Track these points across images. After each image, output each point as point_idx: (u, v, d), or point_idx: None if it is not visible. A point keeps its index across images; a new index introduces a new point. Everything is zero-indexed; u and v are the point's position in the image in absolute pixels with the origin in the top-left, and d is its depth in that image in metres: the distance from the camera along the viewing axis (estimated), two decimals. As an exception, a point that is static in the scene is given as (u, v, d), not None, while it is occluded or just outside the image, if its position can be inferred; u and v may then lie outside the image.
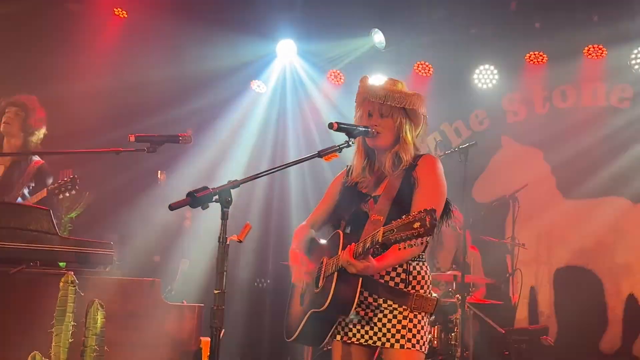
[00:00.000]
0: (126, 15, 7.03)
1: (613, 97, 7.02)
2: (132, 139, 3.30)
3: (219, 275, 2.50)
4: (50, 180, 4.90)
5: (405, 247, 2.53)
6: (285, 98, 7.96)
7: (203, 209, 2.55)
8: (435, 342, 5.67)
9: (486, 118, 7.62)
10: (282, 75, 7.90)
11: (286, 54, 7.64)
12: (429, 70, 7.60)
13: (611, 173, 6.76)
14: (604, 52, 6.85)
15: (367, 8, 7.07)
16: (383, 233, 2.55)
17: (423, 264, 3.03)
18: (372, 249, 2.69)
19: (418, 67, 7.58)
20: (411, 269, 2.97)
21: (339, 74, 7.90)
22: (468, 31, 7.17)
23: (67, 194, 4.70)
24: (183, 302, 3.98)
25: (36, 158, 5.04)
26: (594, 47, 6.85)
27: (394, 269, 2.95)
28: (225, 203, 2.55)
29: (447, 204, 3.04)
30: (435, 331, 5.68)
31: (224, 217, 2.55)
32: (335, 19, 7.17)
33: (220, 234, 2.52)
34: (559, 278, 7.08)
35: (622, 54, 6.79)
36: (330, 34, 7.28)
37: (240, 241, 2.63)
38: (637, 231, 6.74)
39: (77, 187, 4.76)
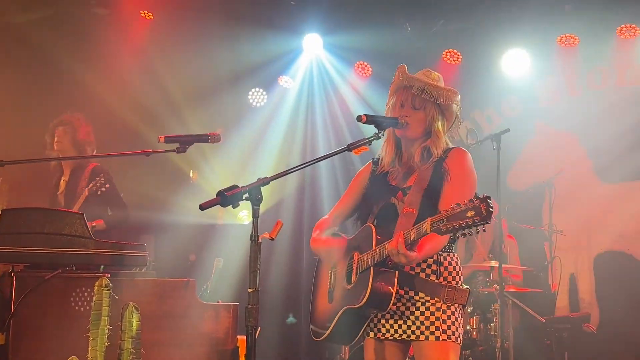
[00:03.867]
0: (152, 17, 7.06)
1: (648, 77, 6.85)
2: (162, 140, 3.31)
3: (252, 273, 2.49)
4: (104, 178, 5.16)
5: (459, 237, 2.53)
6: (313, 92, 7.94)
7: (234, 207, 2.54)
8: (475, 333, 5.61)
9: (518, 104, 7.49)
10: (309, 69, 7.88)
11: (312, 48, 7.62)
12: (457, 58, 7.50)
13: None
14: (638, 31, 6.68)
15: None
16: (431, 223, 2.53)
17: (453, 255, 3.00)
18: (418, 240, 2.66)
19: (446, 55, 7.49)
20: (442, 259, 2.94)
21: (366, 66, 7.84)
22: (497, 16, 7.04)
23: (104, 189, 5.05)
24: (218, 302, 3.98)
25: (92, 161, 5.36)
26: (627, 27, 6.70)
27: (425, 261, 2.92)
28: (256, 201, 2.53)
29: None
30: (474, 322, 5.62)
31: (255, 214, 2.53)
32: (360, 10, 7.11)
33: (252, 232, 2.50)
34: (599, 264, 6.94)
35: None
36: (356, 26, 7.23)
37: (272, 239, 2.61)
38: (678, 213, 6.57)
39: (112, 181, 5.15)
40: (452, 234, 2.50)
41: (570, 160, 7.00)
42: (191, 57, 7.09)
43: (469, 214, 2.41)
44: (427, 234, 2.56)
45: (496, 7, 6.95)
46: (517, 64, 7.27)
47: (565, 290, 6.99)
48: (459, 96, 3.05)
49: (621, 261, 6.83)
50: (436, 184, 2.91)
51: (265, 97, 7.88)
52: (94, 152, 5.37)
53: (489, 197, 2.41)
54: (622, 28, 6.72)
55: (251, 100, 7.89)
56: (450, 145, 3.04)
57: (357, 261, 2.92)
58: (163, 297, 3.65)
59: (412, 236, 2.63)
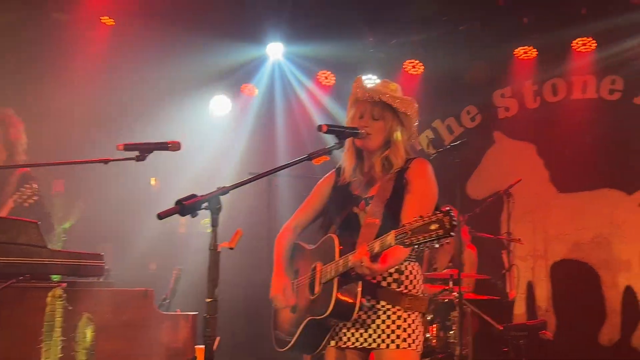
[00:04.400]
0: (113, 23, 6.99)
1: (603, 89, 7.02)
2: (121, 147, 3.26)
3: (210, 283, 2.47)
4: (35, 186, 4.78)
5: (423, 250, 2.51)
6: (274, 101, 7.93)
7: (192, 217, 2.52)
8: (434, 341, 5.65)
9: (478, 114, 7.61)
10: (272, 78, 7.87)
11: (275, 56, 7.63)
12: (419, 68, 7.59)
13: (604, 165, 6.79)
14: (593, 44, 6.85)
15: (355, 8, 7.04)
16: (395, 236, 2.53)
17: (415, 263, 3.02)
18: (381, 252, 2.67)
19: (408, 65, 7.57)
20: (403, 268, 2.96)
21: (328, 75, 7.88)
22: (457, 28, 7.15)
23: (32, 201, 4.59)
24: (177, 311, 3.94)
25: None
26: (582, 40, 6.86)
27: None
28: (215, 210, 2.51)
29: (436, 208, 3.00)
30: (434, 330, 5.66)
31: (214, 224, 2.52)
32: (324, 20, 7.15)
33: (211, 241, 2.49)
34: (556, 272, 7.08)
35: (611, 46, 6.78)
36: (319, 36, 7.26)
37: (232, 248, 2.59)
38: (632, 222, 6.74)
39: (38, 193, 4.65)
40: (415, 247, 2.51)
41: (528, 170, 7.13)
42: (153, 64, 7.02)
43: (432, 227, 2.42)
44: (391, 246, 2.57)
45: (456, 20, 7.06)
46: (477, 76, 7.39)
47: (522, 298, 7.12)
48: (416, 105, 3.07)
49: (577, 269, 6.98)
50: (398, 194, 2.93)
51: (228, 105, 7.85)
52: (25, 153, 4.99)
53: (451, 210, 2.43)
54: (577, 41, 6.89)
55: (213, 108, 7.85)
56: (412, 155, 3.06)
57: (320, 272, 2.93)
58: (120, 307, 3.60)
59: (376, 249, 2.64)
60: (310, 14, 7.15)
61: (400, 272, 2.95)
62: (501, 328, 6.04)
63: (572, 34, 6.86)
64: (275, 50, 7.57)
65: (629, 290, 6.71)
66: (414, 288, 2.97)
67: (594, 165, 6.82)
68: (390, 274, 2.94)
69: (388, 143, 3.03)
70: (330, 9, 7.03)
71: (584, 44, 6.87)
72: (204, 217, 2.55)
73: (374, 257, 2.68)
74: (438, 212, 2.43)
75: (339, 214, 3.07)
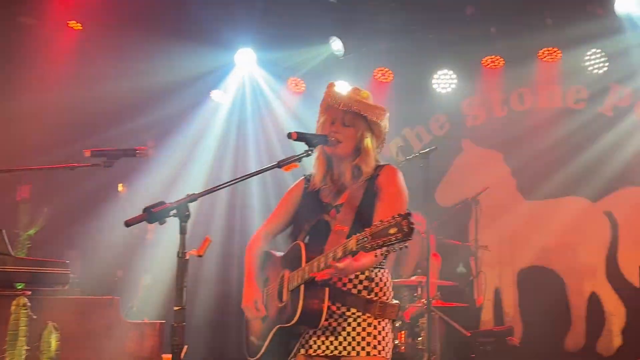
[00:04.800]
0: (81, 28, 6.91)
1: (569, 99, 7.14)
2: (88, 154, 3.22)
3: (178, 291, 2.45)
4: None
5: (382, 254, 2.51)
6: (245, 108, 7.91)
7: (160, 224, 2.50)
8: (403, 347, 5.68)
9: (446, 122, 7.69)
10: (242, 84, 7.85)
11: (245, 62, 7.59)
12: (389, 76, 7.64)
13: (569, 173, 6.88)
14: (559, 54, 6.97)
15: (326, 16, 7.07)
16: (357, 241, 2.51)
17: (384, 271, 3.02)
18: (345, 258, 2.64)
19: (378, 73, 7.62)
20: (373, 275, 2.96)
21: (299, 82, 7.89)
22: (426, 37, 7.22)
23: None
24: (144, 320, 3.90)
25: None
26: (548, 50, 6.98)
27: (357, 277, 2.93)
28: (184, 217, 2.49)
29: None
30: (402, 336, 5.68)
31: (183, 231, 2.50)
32: (294, 27, 7.16)
33: (179, 249, 2.47)
34: (523, 279, 7.17)
35: (576, 56, 6.92)
36: (290, 42, 7.27)
37: (200, 255, 2.58)
38: (596, 230, 6.86)
39: None
40: (376, 252, 2.48)
41: (495, 178, 7.21)
42: (121, 70, 6.94)
43: (391, 231, 2.40)
44: (353, 251, 2.55)
45: (426, 28, 7.13)
46: (446, 84, 7.47)
47: (490, 304, 7.19)
48: (388, 113, 3.08)
49: (543, 276, 7.07)
50: (368, 202, 2.93)
51: (197, 111, 7.80)
52: None
53: (410, 214, 2.42)
54: (544, 51, 7.00)
55: (182, 114, 7.80)
56: (381, 163, 3.07)
57: (288, 279, 2.92)
58: (86, 315, 3.55)
59: (339, 254, 2.63)
60: (280, 20, 7.14)
61: (371, 280, 2.95)
62: (469, 334, 6.09)
63: (538, 44, 6.98)
64: (245, 57, 7.53)
65: (593, 297, 6.82)
66: (384, 295, 2.97)
67: (560, 173, 6.92)
68: (361, 282, 2.94)
69: (358, 150, 3.03)
70: (300, 16, 7.04)
71: (549, 54, 6.99)
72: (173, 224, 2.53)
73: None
74: (397, 216, 2.41)
75: (308, 222, 3.06)
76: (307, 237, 3.04)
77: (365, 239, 2.47)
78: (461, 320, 6.17)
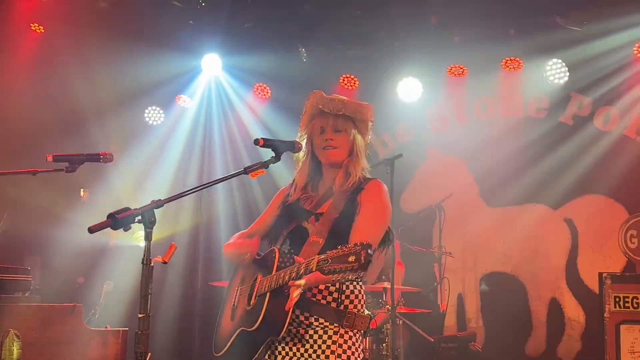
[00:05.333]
0: (43, 31, 6.81)
1: (530, 108, 7.27)
2: (50, 158, 3.18)
3: (143, 298, 2.43)
4: None
5: (338, 280, 2.45)
6: (211, 113, 7.88)
7: (125, 230, 2.47)
8: (367, 353, 5.70)
9: (411, 129, 7.75)
10: (208, 90, 7.82)
11: (211, 68, 7.56)
12: (354, 83, 7.68)
13: (530, 181, 7.00)
14: (521, 64, 7.09)
15: (292, 22, 7.09)
16: (317, 262, 2.48)
17: (357, 284, 2.99)
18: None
19: (344, 80, 7.66)
20: (344, 288, 2.93)
21: (265, 88, 7.88)
22: (392, 45, 7.28)
23: None
24: (107, 327, 3.85)
25: None
26: (511, 60, 7.09)
27: (327, 288, 2.90)
28: (149, 224, 2.47)
29: (388, 232, 3.01)
30: (367, 342, 5.70)
31: (148, 238, 2.48)
32: (261, 34, 7.15)
33: (144, 256, 2.44)
34: (485, 285, 7.26)
35: (538, 65, 7.04)
36: (256, 48, 7.26)
37: (165, 262, 2.55)
38: (556, 236, 6.98)
39: None
40: (333, 276, 2.44)
41: (459, 185, 7.30)
42: (85, 73, 6.87)
43: (350, 259, 2.37)
44: (313, 272, 2.52)
45: (391, 36, 7.20)
46: (411, 92, 7.54)
47: (453, 310, 7.26)
48: (373, 110, 3.07)
49: (505, 282, 7.17)
50: (346, 215, 2.89)
51: (162, 116, 7.75)
52: None
53: (370, 245, 2.38)
54: (506, 61, 7.11)
55: (147, 119, 7.74)
56: (368, 176, 3.04)
57: (259, 284, 2.91)
58: (47, 323, 3.49)
59: (302, 271, 2.62)
60: (246, 26, 7.14)
61: (341, 292, 2.92)
62: (432, 340, 6.14)
63: (501, 54, 7.09)
64: (211, 62, 7.49)
65: (554, 302, 6.93)
66: (355, 307, 2.93)
67: (522, 180, 7.03)
68: (331, 293, 2.91)
69: (351, 154, 3.02)
70: (266, 23, 7.04)
71: (512, 64, 7.10)
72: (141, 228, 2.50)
73: (297, 279, 2.63)
74: (357, 245, 2.38)
75: (287, 227, 3.04)
76: (288, 240, 3.03)
77: (326, 261, 2.44)
78: (425, 326, 6.22)
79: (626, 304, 5.25)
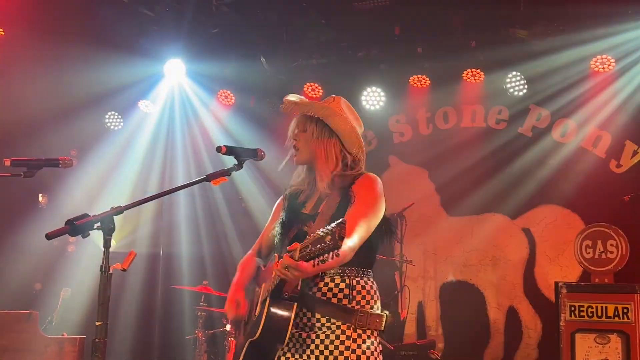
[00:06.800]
0: (3, 33, 6.69)
1: (490, 119, 7.38)
2: (8, 163, 3.13)
3: (101, 305, 2.40)
4: None
5: (318, 263, 2.36)
6: (173, 119, 7.83)
7: (84, 237, 2.44)
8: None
9: (374, 138, 7.81)
10: (171, 95, 7.76)
11: (174, 73, 7.50)
12: (318, 91, 7.71)
13: (490, 191, 7.10)
14: (482, 76, 7.20)
15: (255, 29, 7.09)
16: (300, 250, 2.38)
17: (368, 279, 2.88)
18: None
19: (308, 88, 7.68)
20: (355, 283, 2.82)
21: (229, 95, 7.86)
22: (355, 54, 7.34)
23: None
24: (63, 335, 3.79)
25: None
26: (472, 71, 7.19)
27: (336, 285, 2.80)
28: (108, 231, 2.45)
29: (388, 222, 2.98)
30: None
31: (106, 245, 2.46)
32: (224, 39, 7.14)
33: (103, 263, 2.42)
34: (445, 293, 7.34)
35: (498, 78, 7.16)
36: (220, 55, 7.24)
37: (124, 269, 2.53)
38: (514, 246, 7.09)
39: None
40: (314, 261, 2.35)
41: (421, 194, 7.37)
42: (45, 77, 6.77)
43: (327, 239, 2.30)
44: (297, 260, 2.39)
45: (355, 46, 7.25)
46: (374, 101, 7.60)
47: (413, 318, 7.32)
48: (341, 102, 3.02)
49: (464, 290, 7.25)
50: (341, 212, 2.80)
51: (123, 121, 7.67)
52: None
53: (344, 222, 2.31)
54: (468, 72, 7.22)
55: (108, 124, 7.65)
56: (361, 170, 2.98)
57: (262, 291, 2.85)
58: (2, 330, 3.43)
59: (287, 263, 2.50)
60: (209, 33, 7.11)
61: (352, 287, 2.81)
62: (392, 348, 6.18)
63: (463, 66, 7.18)
64: (174, 67, 7.43)
65: (512, 310, 7.03)
66: (367, 304, 2.82)
67: (481, 190, 7.13)
68: (341, 290, 2.79)
69: (316, 155, 2.95)
70: (230, 29, 7.03)
71: (473, 75, 7.21)
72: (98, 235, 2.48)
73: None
74: (335, 224, 2.31)
75: (288, 234, 2.97)
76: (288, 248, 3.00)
77: (307, 246, 2.36)
78: (385, 333, 6.23)
79: (581, 313, 5.36)
